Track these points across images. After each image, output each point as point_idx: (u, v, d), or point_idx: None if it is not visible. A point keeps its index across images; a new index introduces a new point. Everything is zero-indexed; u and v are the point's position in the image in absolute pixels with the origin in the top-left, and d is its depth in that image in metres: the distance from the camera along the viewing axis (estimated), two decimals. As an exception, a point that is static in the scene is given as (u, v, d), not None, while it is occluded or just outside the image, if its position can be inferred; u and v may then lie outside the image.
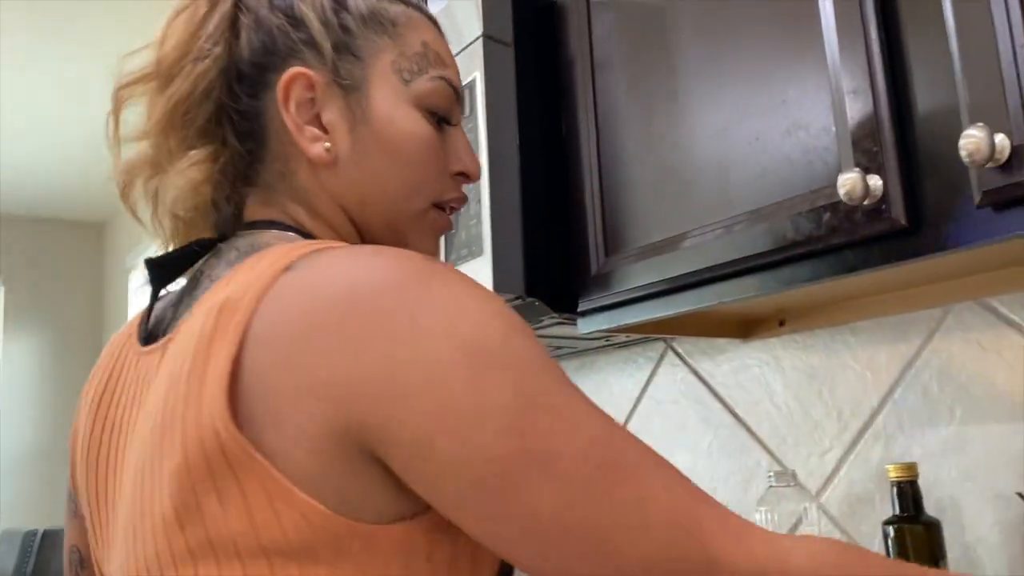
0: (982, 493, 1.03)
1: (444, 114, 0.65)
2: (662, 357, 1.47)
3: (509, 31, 1.18)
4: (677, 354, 1.44)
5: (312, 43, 0.61)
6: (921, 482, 1.00)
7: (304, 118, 0.61)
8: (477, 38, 1.15)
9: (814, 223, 0.85)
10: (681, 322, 1.21)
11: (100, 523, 0.60)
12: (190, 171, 0.60)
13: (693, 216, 0.99)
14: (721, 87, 0.97)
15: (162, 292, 0.65)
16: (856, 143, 0.81)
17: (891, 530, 0.99)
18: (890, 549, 0.99)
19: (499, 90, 1.15)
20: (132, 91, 0.62)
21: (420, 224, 0.65)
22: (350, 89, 0.61)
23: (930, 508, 1.03)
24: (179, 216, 0.63)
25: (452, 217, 1.13)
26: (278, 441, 0.47)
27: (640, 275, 1.04)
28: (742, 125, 0.94)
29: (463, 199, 0.68)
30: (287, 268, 0.50)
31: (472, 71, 1.15)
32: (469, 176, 0.67)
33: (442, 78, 0.64)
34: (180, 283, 0.64)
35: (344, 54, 0.61)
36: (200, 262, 0.63)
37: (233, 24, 0.62)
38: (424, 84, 0.63)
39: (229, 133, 0.61)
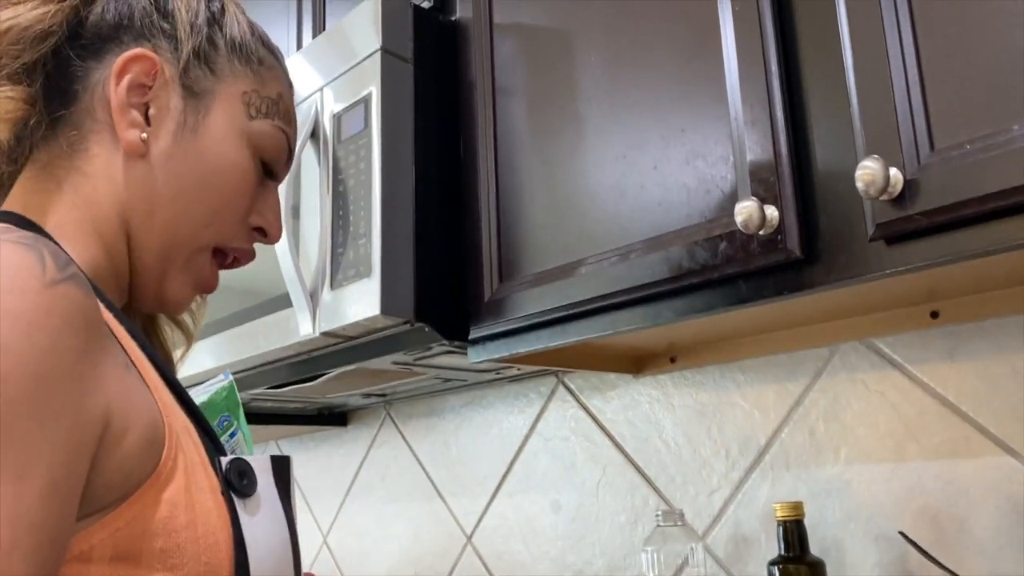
0: (865, 533, 1.03)
1: (271, 164, 0.64)
2: (553, 392, 1.44)
3: (409, 47, 1.14)
4: (568, 389, 1.41)
5: (172, 36, 0.59)
6: (806, 522, 1.00)
7: (131, 101, 0.57)
8: (375, 51, 1.10)
9: (710, 252, 0.83)
10: (574, 355, 1.19)
11: None
12: (2, 102, 0.54)
13: (589, 243, 0.96)
14: (621, 114, 0.95)
15: None
16: (754, 173, 0.81)
17: (776, 570, 0.98)
18: (775, 590, 0.97)
19: (396, 106, 1.11)
20: None
21: (191, 262, 0.61)
22: (192, 95, 0.59)
23: (814, 548, 1.03)
24: None
25: (336, 237, 1.08)
26: None
27: (535, 302, 1.01)
28: (641, 153, 0.92)
29: (250, 255, 0.65)
30: None
31: (368, 85, 1.11)
32: (268, 235, 0.65)
33: (283, 131, 0.63)
34: None
35: (200, 62, 0.60)
36: None
37: None
38: (265, 126, 0.62)
39: (40, 87, 0.56)
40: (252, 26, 0.65)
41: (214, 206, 0.60)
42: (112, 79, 0.56)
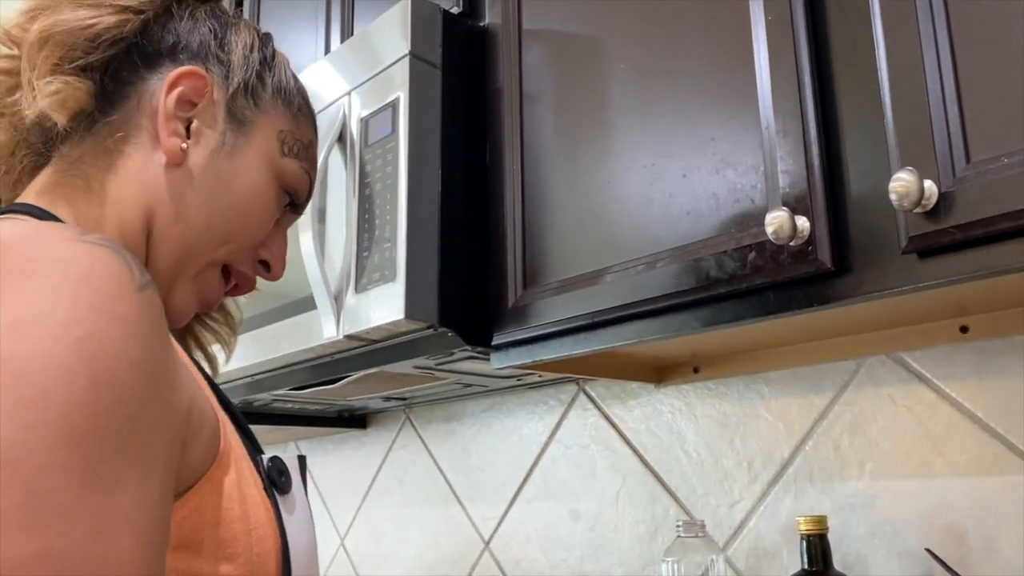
0: (890, 550, 1.02)
1: (294, 198, 0.67)
2: (574, 400, 1.43)
3: (437, 53, 1.14)
4: (589, 397, 1.41)
5: (226, 64, 0.63)
6: (830, 536, 0.99)
7: (177, 113, 0.60)
8: (404, 56, 1.11)
9: (738, 262, 0.83)
10: (596, 363, 1.18)
11: None
12: (74, 90, 0.56)
13: (616, 251, 0.96)
14: (651, 122, 0.95)
15: None
16: (785, 183, 0.80)
17: (799, 585, 0.97)
18: (798, 604, 0.96)
19: (424, 111, 1.11)
20: None
21: (201, 275, 0.62)
22: (234, 121, 0.63)
23: (838, 563, 1.01)
24: None
25: (362, 241, 1.08)
26: None
27: (559, 309, 1.00)
28: (670, 161, 0.92)
29: (252, 284, 0.67)
30: None
31: (396, 90, 1.11)
32: (270, 271, 0.68)
33: (309, 175, 0.68)
34: None
35: (247, 93, 0.64)
36: None
37: (168, 8, 0.62)
38: (293, 165, 0.66)
39: (96, 85, 0.58)
40: (295, 77, 0.69)
41: (236, 226, 0.62)
42: (163, 89, 0.59)
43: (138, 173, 0.59)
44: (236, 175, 0.62)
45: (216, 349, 0.73)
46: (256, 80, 0.64)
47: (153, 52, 0.60)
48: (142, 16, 0.60)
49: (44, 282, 0.40)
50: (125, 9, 0.59)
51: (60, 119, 0.57)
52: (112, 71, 0.59)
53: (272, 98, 0.65)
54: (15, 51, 0.57)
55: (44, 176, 0.59)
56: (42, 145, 0.60)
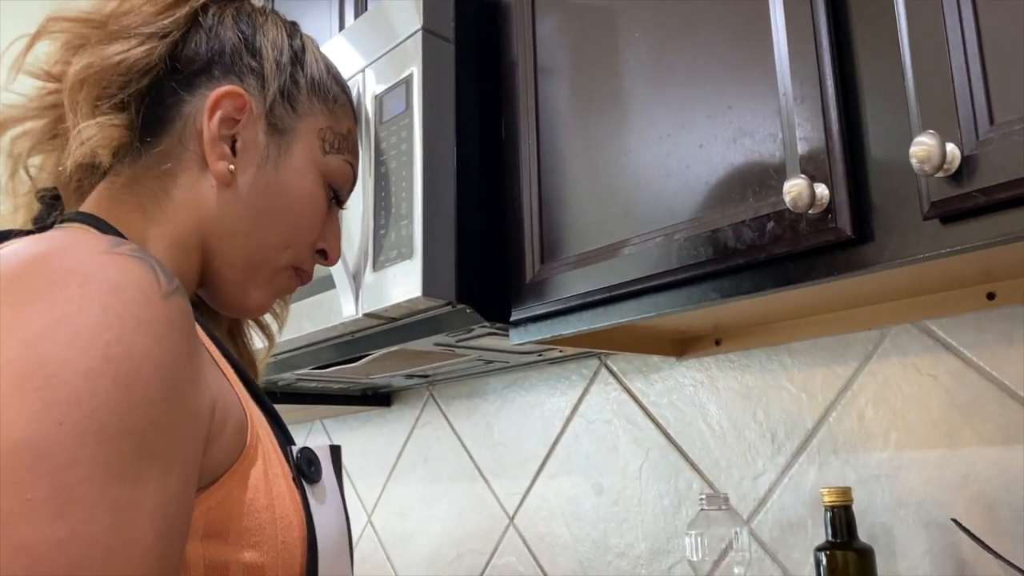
0: (916, 520, 1.01)
1: (339, 193, 0.69)
2: (595, 375, 1.43)
3: (450, 27, 1.13)
4: (611, 372, 1.40)
5: (260, 74, 0.63)
6: (854, 507, 0.98)
7: (221, 134, 0.61)
8: (416, 31, 1.10)
9: (757, 232, 0.82)
10: (616, 337, 1.18)
11: None
12: (108, 129, 0.57)
13: (633, 224, 0.95)
14: (666, 92, 0.93)
15: None
16: (803, 150, 0.78)
17: (823, 556, 0.96)
18: (822, 575, 0.96)
19: (437, 86, 1.10)
20: (65, 27, 0.59)
21: (273, 278, 0.66)
22: (275, 131, 0.63)
23: (863, 534, 1.01)
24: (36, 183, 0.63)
25: (379, 219, 1.08)
26: None
27: (576, 283, 1.00)
28: (686, 131, 0.91)
29: (310, 277, 0.70)
30: None
31: (409, 66, 1.10)
32: (328, 258, 0.70)
33: (351, 165, 0.69)
34: None
35: (284, 100, 0.64)
36: None
37: (194, 20, 0.63)
38: (338, 161, 0.67)
39: (136, 115, 0.60)
40: (328, 64, 0.69)
41: (291, 232, 0.64)
42: (205, 112, 0.60)
43: (189, 195, 0.61)
44: (283, 184, 0.63)
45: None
46: (291, 84, 0.65)
47: (189, 73, 0.61)
48: (167, 39, 0.60)
49: (75, 292, 0.42)
50: (151, 36, 0.60)
51: (104, 158, 0.58)
52: (152, 99, 0.60)
53: (308, 99, 0.65)
54: (57, 84, 0.59)
55: (101, 190, 0.61)
56: (96, 169, 0.62)
